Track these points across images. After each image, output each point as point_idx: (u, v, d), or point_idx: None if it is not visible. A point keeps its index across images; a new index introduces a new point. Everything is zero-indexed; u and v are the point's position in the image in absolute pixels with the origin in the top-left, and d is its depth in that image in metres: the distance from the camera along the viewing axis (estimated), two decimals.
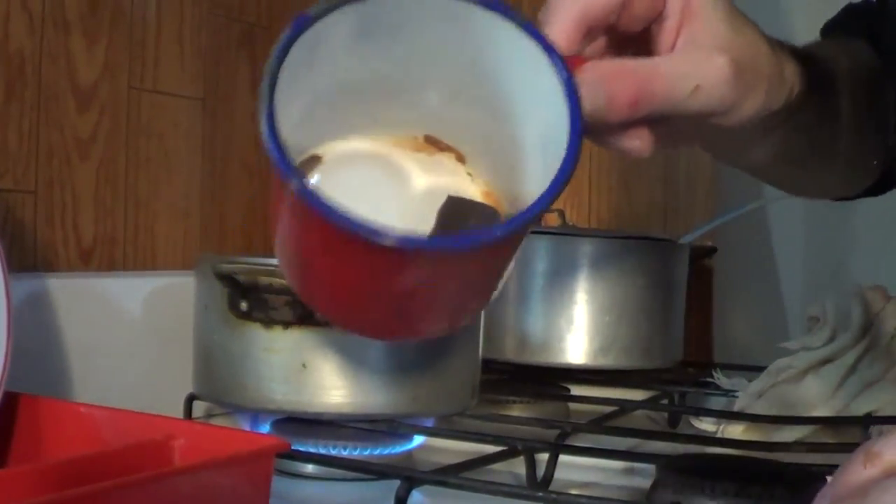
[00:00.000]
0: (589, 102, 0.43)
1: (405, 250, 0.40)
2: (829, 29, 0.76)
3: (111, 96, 0.84)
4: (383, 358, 0.66)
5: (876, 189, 0.73)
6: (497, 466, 0.64)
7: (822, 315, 0.84)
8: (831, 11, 0.76)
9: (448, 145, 0.51)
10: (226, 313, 0.67)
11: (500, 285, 0.47)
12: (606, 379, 0.93)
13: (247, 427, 0.71)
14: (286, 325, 0.65)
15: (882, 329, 0.82)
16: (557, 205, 1.09)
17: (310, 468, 0.66)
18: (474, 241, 0.41)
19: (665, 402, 0.87)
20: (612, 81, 0.45)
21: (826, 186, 0.74)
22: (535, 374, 0.94)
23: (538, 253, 0.91)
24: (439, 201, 0.48)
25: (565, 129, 0.42)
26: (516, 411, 0.82)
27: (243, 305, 0.66)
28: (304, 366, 0.65)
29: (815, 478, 0.54)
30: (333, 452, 0.66)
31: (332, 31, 0.43)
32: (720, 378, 0.87)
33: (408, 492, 0.55)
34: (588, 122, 0.43)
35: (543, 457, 0.63)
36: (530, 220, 0.42)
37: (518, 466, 0.63)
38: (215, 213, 0.95)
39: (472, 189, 0.51)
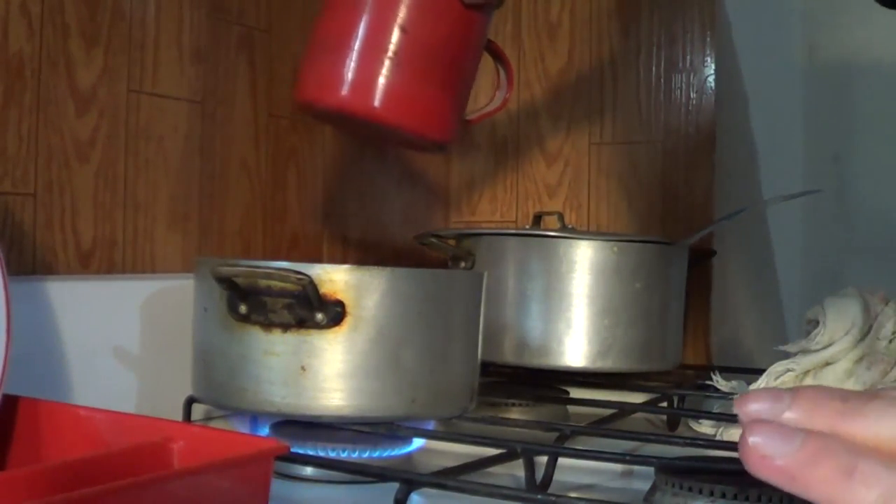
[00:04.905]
0: None
1: None
2: None
3: (110, 99, 0.84)
4: (382, 361, 0.66)
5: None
6: (496, 469, 0.64)
7: (821, 318, 0.84)
8: None
9: None
10: (225, 316, 0.67)
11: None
12: (605, 382, 0.93)
13: (246, 430, 0.72)
14: (285, 327, 0.65)
15: (881, 332, 0.82)
16: (556, 207, 1.09)
17: (309, 471, 0.66)
18: None
19: (664, 404, 0.87)
20: None
21: None
22: (533, 376, 0.94)
23: (537, 255, 0.91)
24: None
25: None
26: (515, 414, 0.82)
27: (242, 308, 0.66)
28: (303, 369, 0.65)
29: None
30: (332, 455, 0.66)
31: None
32: (719, 381, 0.87)
33: (407, 495, 0.55)
34: None
35: (542, 459, 0.63)
36: None
37: (517, 469, 0.63)
38: (214, 216, 0.95)
39: None
